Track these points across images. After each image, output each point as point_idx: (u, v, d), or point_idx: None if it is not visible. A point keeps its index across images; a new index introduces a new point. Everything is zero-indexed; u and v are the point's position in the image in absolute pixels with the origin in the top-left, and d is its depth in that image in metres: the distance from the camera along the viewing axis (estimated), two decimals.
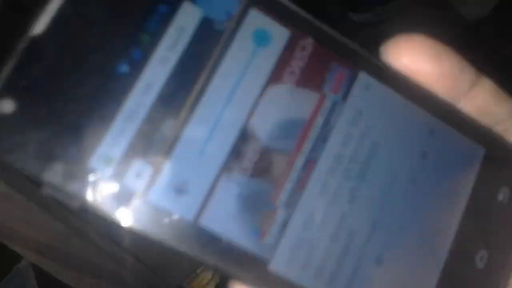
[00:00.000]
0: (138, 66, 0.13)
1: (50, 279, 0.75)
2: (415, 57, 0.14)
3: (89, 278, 0.55)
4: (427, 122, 0.15)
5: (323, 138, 0.14)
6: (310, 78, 0.14)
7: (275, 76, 0.14)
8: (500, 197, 0.15)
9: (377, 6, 0.72)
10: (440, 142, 0.15)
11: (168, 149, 0.13)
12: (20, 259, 0.84)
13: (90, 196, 0.12)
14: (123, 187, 0.13)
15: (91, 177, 0.12)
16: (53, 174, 0.12)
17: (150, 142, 0.13)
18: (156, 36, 0.13)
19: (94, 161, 0.12)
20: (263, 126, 0.13)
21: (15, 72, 0.12)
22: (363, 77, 0.14)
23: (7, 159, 0.12)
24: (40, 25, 0.12)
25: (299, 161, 0.14)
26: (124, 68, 0.13)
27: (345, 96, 0.14)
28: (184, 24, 0.13)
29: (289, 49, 0.14)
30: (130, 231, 0.12)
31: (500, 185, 0.15)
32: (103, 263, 0.57)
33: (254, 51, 0.13)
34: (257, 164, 0.13)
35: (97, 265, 0.56)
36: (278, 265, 0.13)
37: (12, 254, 0.84)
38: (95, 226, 0.59)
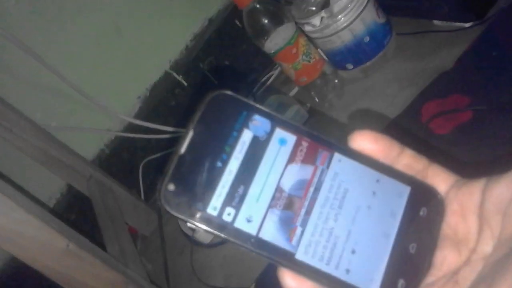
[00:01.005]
0: (225, 162, 0.25)
1: None
2: (364, 143, 0.26)
3: None
4: (374, 175, 0.26)
5: (318, 188, 0.26)
6: (308, 159, 0.26)
7: (290, 159, 0.26)
8: (421, 213, 0.26)
9: None
10: (383, 185, 0.26)
11: (240, 201, 0.25)
12: None
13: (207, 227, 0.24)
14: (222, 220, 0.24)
15: (208, 216, 0.24)
16: (193, 217, 0.24)
17: (233, 198, 0.25)
18: (232, 147, 0.25)
19: (209, 209, 0.24)
20: (287, 184, 0.25)
21: (172, 171, 0.24)
22: (336, 155, 0.26)
23: (171, 211, 0.24)
24: (182, 148, 0.25)
25: (306, 202, 0.25)
26: (219, 164, 0.25)
27: (328, 166, 0.26)
28: (245, 139, 0.25)
29: (296, 146, 0.26)
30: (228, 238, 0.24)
31: (420, 206, 0.26)
32: None
33: (279, 148, 0.26)
34: (285, 203, 0.25)
35: None
36: (300, 255, 0.24)
37: None
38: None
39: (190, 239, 0.90)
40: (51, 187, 1.05)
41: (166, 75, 1.11)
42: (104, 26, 1.03)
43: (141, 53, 1.08)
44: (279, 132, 0.26)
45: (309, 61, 0.91)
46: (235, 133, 0.25)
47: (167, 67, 1.11)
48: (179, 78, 1.12)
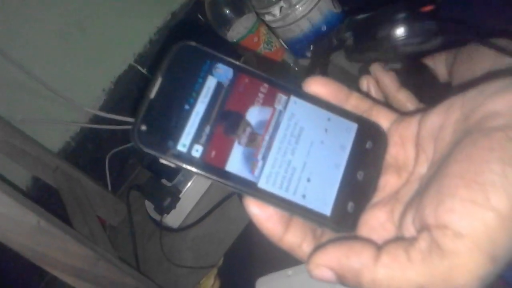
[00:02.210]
0: (193, 105, 0.28)
1: None
2: (317, 87, 0.30)
3: None
4: (326, 114, 0.30)
5: (276, 127, 0.29)
6: (268, 102, 0.29)
7: (252, 102, 0.29)
8: (367, 146, 0.30)
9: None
10: (333, 123, 0.30)
11: (206, 139, 0.28)
12: None
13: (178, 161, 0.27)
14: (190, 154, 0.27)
15: (177, 153, 0.27)
16: (164, 153, 0.27)
17: (200, 136, 0.27)
18: (198, 92, 0.28)
19: (179, 146, 0.27)
20: (249, 124, 0.28)
21: (144, 114, 0.27)
22: (293, 98, 0.30)
23: (144, 149, 0.27)
24: (152, 93, 0.28)
25: (266, 139, 0.29)
26: (187, 107, 0.28)
27: (285, 107, 0.29)
28: (209, 85, 0.28)
29: (256, 90, 0.29)
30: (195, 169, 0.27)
31: (366, 140, 0.30)
32: (125, 281, 0.69)
33: (241, 92, 0.29)
34: (248, 140, 0.28)
35: (121, 282, 0.68)
36: (261, 184, 0.28)
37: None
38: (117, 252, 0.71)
39: (158, 224, 0.92)
40: (16, 181, 1.05)
41: (130, 68, 1.13)
42: (67, 19, 1.04)
43: (105, 46, 1.10)
44: (241, 78, 0.29)
45: (271, 50, 0.95)
46: (200, 80, 0.28)
47: (131, 60, 1.13)
48: (144, 71, 1.14)
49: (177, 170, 0.54)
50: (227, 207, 0.88)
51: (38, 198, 1.06)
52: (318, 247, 0.25)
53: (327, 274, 0.25)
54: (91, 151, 1.13)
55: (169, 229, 0.93)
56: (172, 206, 0.90)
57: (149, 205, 0.96)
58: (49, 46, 1.03)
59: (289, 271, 0.64)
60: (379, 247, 0.24)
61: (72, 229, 0.66)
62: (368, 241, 0.25)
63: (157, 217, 0.93)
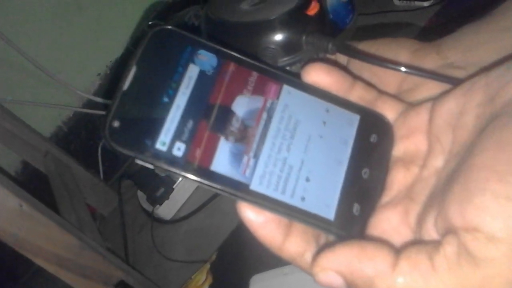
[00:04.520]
0: (172, 97, 0.24)
1: None
2: (318, 76, 0.26)
3: (101, 285, 0.63)
4: (324, 105, 0.26)
5: (269, 120, 0.25)
6: (258, 91, 0.26)
7: (240, 92, 0.25)
8: (371, 139, 0.26)
9: None
10: (333, 115, 0.26)
11: (189, 135, 0.24)
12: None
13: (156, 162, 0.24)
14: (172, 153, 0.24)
15: (156, 152, 0.23)
16: (141, 153, 0.23)
17: (183, 132, 0.24)
18: (179, 82, 0.25)
19: (158, 144, 0.24)
20: (238, 117, 0.25)
21: (116, 108, 0.24)
22: (286, 88, 0.26)
23: (118, 148, 0.23)
24: (125, 84, 0.24)
25: (257, 134, 0.25)
26: (166, 99, 0.24)
27: (278, 98, 0.26)
28: (191, 74, 0.25)
29: (245, 79, 0.26)
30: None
31: (370, 133, 0.26)
32: (111, 272, 0.65)
33: (228, 82, 0.25)
34: (237, 136, 0.25)
35: (107, 274, 0.64)
36: (254, 186, 0.24)
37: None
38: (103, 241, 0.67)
39: (150, 215, 0.88)
40: (5, 164, 1.01)
41: (127, 51, 1.09)
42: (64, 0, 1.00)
43: (101, 29, 1.06)
44: (227, 66, 0.26)
45: None
46: (180, 68, 0.25)
47: (129, 43, 1.09)
48: None
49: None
50: (222, 201, 0.85)
51: (27, 183, 1.02)
52: (325, 248, 0.22)
53: (335, 280, 0.21)
54: (83, 137, 1.09)
55: (161, 221, 0.89)
56: (165, 197, 0.87)
57: (141, 196, 0.93)
58: (43, 24, 0.99)
59: (286, 269, 0.61)
60: (397, 251, 0.20)
61: (58, 215, 0.62)
62: (383, 242, 0.22)
63: (149, 208, 0.89)
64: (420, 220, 0.22)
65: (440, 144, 0.24)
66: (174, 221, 0.89)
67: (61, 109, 1.05)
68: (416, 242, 0.21)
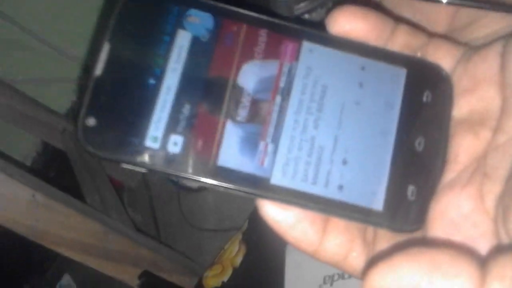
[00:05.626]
0: (160, 77, 0.19)
1: None
2: (348, 21, 0.20)
3: (131, 267, 0.61)
4: (358, 61, 0.21)
5: (288, 90, 0.20)
6: (270, 54, 0.20)
7: (247, 58, 0.20)
8: (424, 98, 0.20)
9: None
10: (371, 72, 0.21)
11: (187, 124, 0.19)
12: (61, 275, 0.90)
13: (149, 161, 0.18)
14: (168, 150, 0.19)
15: (147, 151, 0.18)
16: (127, 155, 0.18)
17: (178, 121, 0.19)
18: (166, 56, 0.19)
19: (148, 141, 0.18)
20: (247, 90, 0.20)
21: (90, 101, 0.18)
22: (306, 45, 0.20)
23: (97, 153, 0.18)
24: (97, 68, 0.19)
25: (275, 110, 0.20)
26: (152, 81, 0.19)
27: (297, 60, 0.20)
28: (182, 43, 0.19)
29: (252, 40, 0.20)
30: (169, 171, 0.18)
31: (422, 90, 0.20)
32: (140, 253, 0.63)
33: (229, 46, 0.20)
34: (248, 115, 0.19)
35: (135, 255, 0.62)
36: (276, 179, 0.19)
37: (54, 271, 0.90)
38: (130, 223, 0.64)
39: (177, 184, 0.85)
40: (25, 146, 0.99)
41: None
42: None
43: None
44: (226, 26, 0.20)
45: None
46: (166, 38, 0.20)
47: None
48: None
49: None
50: None
51: (49, 163, 1.01)
52: (378, 258, 0.16)
53: None
54: None
55: (188, 190, 0.86)
56: None
57: None
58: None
59: None
60: (481, 263, 0.15)
61: (79, 199, 0.59)
62: (461, 250, 0.16)
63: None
64: (504, 206, 0.16)
65: None
66: (202, 189, 0.85)
67: (74, 83, 1.02)
68: (505, 248, 0.16)
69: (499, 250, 0.15)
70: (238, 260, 0.68)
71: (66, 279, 0.90)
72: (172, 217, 0.86)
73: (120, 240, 0.60)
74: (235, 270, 0.69)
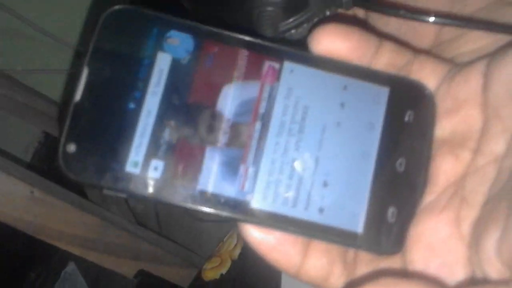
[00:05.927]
0: (140, 101, 0.19)
1: (97, 277, 0.81)
2: (331, 41, 0.20)
3: (131, 260, 0.61)
4: (340, 81, 0.20)
5: (268, 112, 0.20)
6: (251, 76, 0.20)
7: (226, 80, 0.20)
8: (406, 118, 0.20)
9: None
10: (353, 92, 0.20)
11: (167, 148, 0.19)
12: (66, 263, 0.91)
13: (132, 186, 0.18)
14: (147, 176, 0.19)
15: (127, 177, 0.18)
16: (108, 181, 0.18)
17: (158, 146, 0.19)
18: (146, 80, 0.19)
19: (128, 166, 0.18)
20: (227, 114, 0.19)
21: (69, 127, 0.18)
22: (287, 65, 0.20)
23: (78, 179, 0.18)
24: (77, 94, 0.19)
25: (255, 133, 0.19)
26: (132, 105, 0.19)
27: (278, 80, 0.20)
28: (161, 66, 0.19)
29: (231, 61, 0.20)
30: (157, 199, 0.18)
31: (404, 110, 0.20)
32: (139, 247, 0.63)
33: (209, 68, 0.19)
34: (228, 139, 0.19)
35: (134, 248, 0.62)
36: (257, 203, 0.19)
37: (59, 259, 0.91)
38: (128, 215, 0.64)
39: None
40: (26, 137, 1.00)
41: None
42: None
43: None
44: (206, 47, 0.20)
45: None
46: (146, 61, 0.19)
47: (139, 3, 1.02)
48: None
49: None
50: None
51: (50, 153, 1.01)
52: (360, 282, 0.16)
53: None
54: None
55: None
56: None
57: None
58: None
59: None
60: None
61: (76, 194, 0.60)
62: (432, 281, 0.16)
63: None
64: (477, 234, 0.16)
65: (500, 121, 0.17)
66: None
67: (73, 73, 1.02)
68: (476, 283, 0.15)
69: (471, 284, 0.15)
70: (237, 252, 0.68)
71: (71, 267, 0.91)
72: (171, 208, 0.87)
73: (119, 234, 0.60)
74: (233, 263, 0.69)
